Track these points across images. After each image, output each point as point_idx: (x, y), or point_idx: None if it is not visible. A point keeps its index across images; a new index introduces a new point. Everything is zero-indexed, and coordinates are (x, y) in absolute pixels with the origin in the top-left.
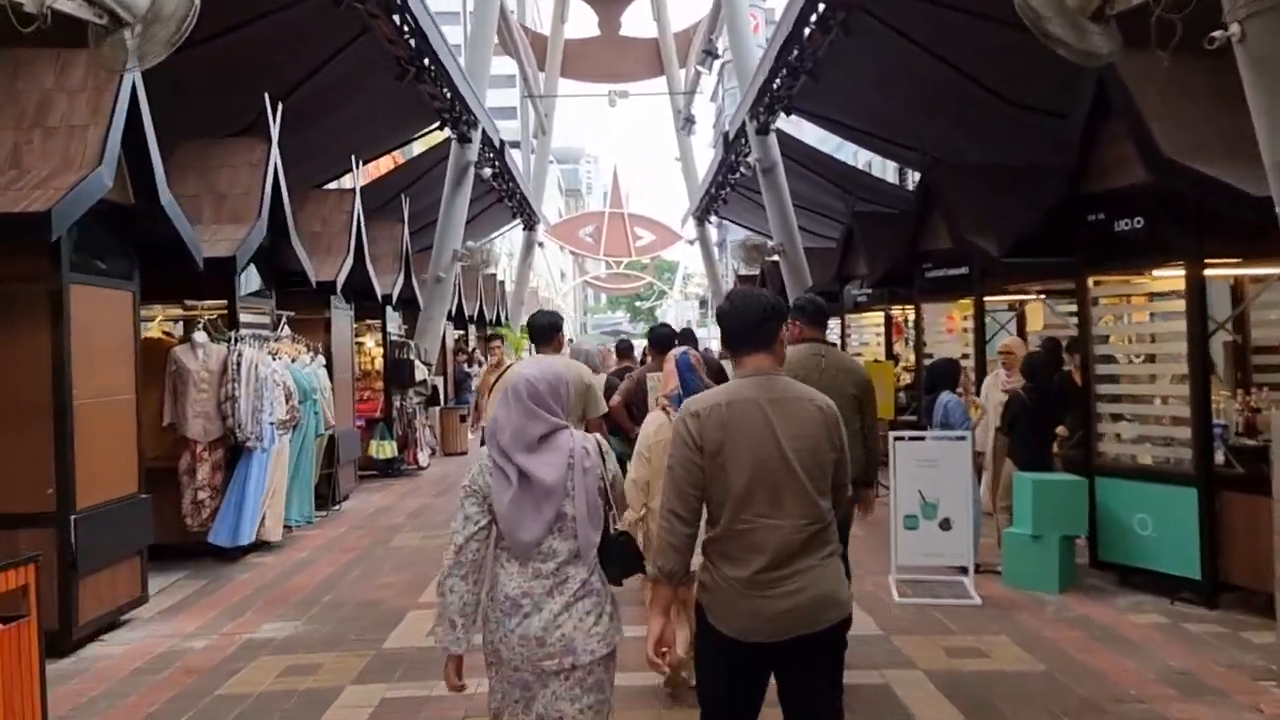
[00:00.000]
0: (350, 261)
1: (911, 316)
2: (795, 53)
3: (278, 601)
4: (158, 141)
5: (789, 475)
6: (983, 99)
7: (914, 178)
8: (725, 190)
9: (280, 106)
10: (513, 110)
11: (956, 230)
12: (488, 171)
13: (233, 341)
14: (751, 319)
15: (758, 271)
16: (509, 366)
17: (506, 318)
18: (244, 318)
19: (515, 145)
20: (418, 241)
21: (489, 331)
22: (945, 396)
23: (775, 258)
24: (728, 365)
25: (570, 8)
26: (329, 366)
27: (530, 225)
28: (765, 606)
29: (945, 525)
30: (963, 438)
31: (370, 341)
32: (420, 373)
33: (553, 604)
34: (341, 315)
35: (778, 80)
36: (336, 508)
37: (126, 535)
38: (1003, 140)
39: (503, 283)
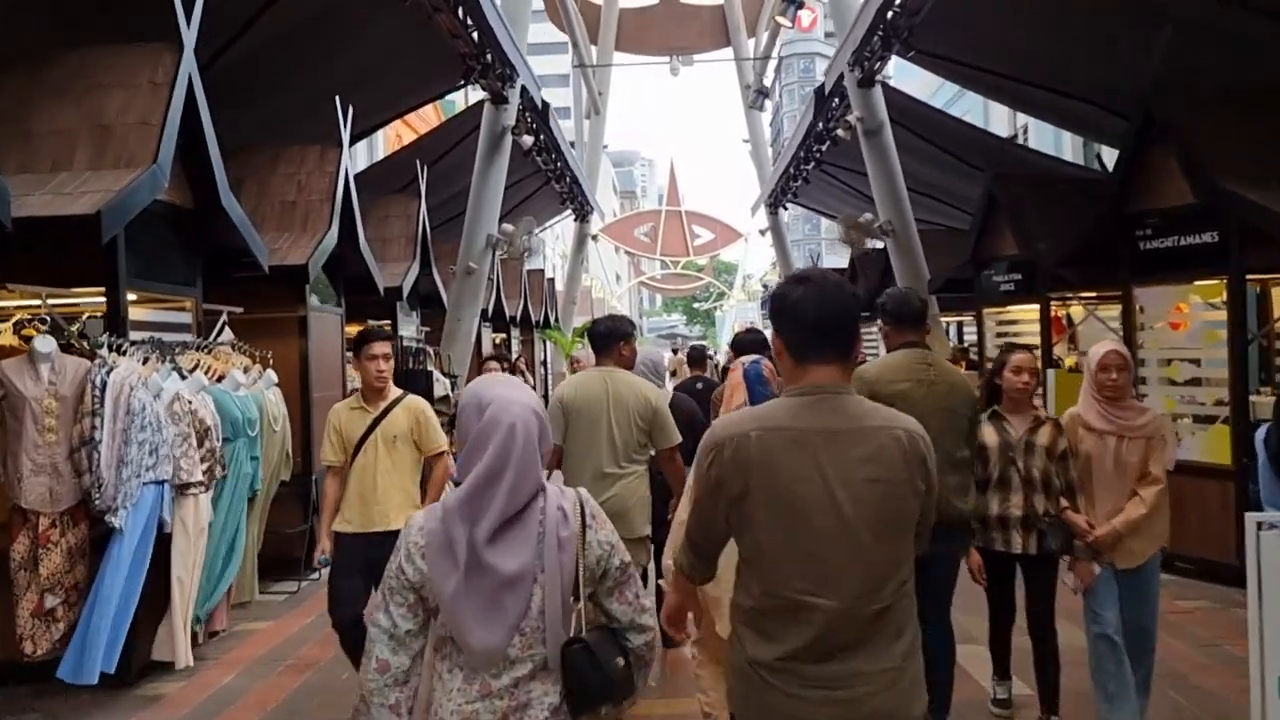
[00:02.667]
0: (332, 239)
1: (1074, 310)
2: None
3: None
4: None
5: (843, 536)
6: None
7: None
8: (808, 167)
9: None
10: (564, 79)
11: (1202, 172)
12: (528, 140)
13: (106, 351)
14: (834, 311)
15: (847, 263)
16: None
17: (557, 319)
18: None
19: (566, 114)
20: (448, 236)
21: (495, 346)
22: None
23: (875, 243)
24: None
25: None
26: (304, 382)
27: (583, 215)
28: (797, 711)
29: None
30: None
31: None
32: (441, 387)
33: None
34: (323, 314)
35: (892, 10)
36: (314, 575)
37: None
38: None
39: (552, 280)
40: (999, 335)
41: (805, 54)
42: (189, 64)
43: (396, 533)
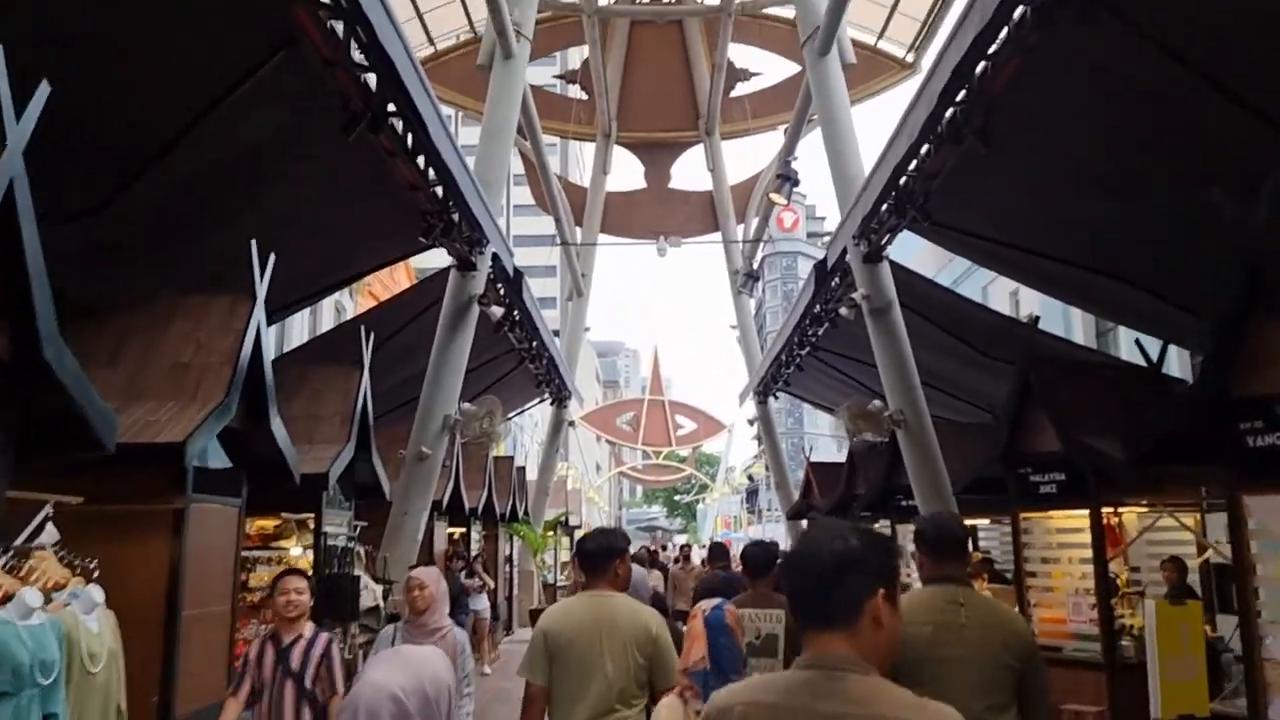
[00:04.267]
0: (228, 412)
1: (1127, 517)
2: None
3: None
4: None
5: None
6: None
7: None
8: (802, 352)
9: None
10: (550, 269)
11: None
12: (497, 311)
13: None
14: (813, 574)
15: (845, 458)
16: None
17: (527, 512)
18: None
19: (551, 304)
20: (405, 419)
21: (452, 543)
22: None
23: (874, 436)
24: None
25: (614, 159)
26: (172, 598)
27: (559, 399)
28: None
29: None
30: None
31: (297, 548)
32: (370, 596)
33: None
34: (211, 507)
35: (906, 175)
36: None
37: None
38: None
39: (522, 469)
40: (1028, 544)
41: (788, 252)
42: None
43: None
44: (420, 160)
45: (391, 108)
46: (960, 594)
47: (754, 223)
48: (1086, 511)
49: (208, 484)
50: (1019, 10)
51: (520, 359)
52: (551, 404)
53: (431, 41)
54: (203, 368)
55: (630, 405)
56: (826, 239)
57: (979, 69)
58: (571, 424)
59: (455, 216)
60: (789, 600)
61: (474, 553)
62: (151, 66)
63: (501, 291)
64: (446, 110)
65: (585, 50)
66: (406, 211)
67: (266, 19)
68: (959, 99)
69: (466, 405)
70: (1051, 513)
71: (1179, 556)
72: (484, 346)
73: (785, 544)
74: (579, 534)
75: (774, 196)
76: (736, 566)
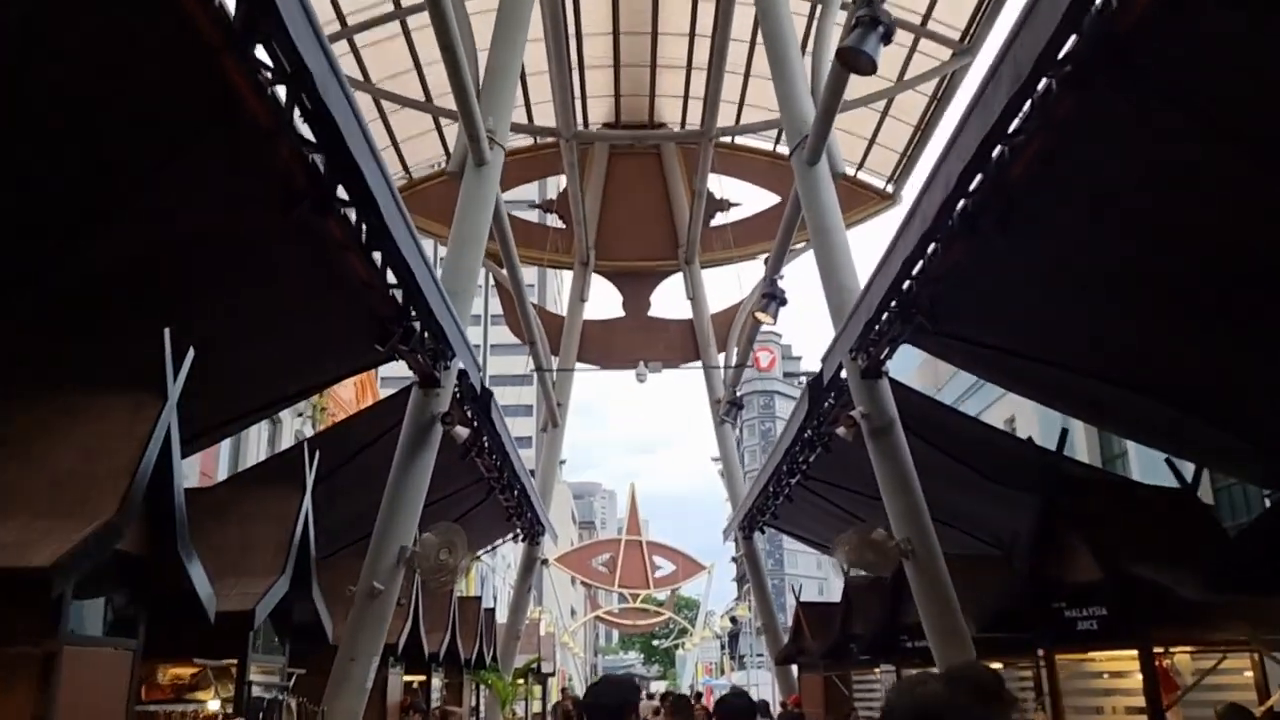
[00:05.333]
0: (115, 536)
1: (1180, 660)
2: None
3: None
4: None
5: None
6: None
7: None
8: (792, 480)
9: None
10: (527, 408)
11: None
12: (463, 432)
13: None
14: None
15: (840, 596)
16: None
17: (495, 658)
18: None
19: (527, 443)
20: (352, 559)
21: (410, 692)
22: None
23: (867, 571)
24: None
25: (592, 288)
26: None
27: (531, 536)
28: None
29: None
30: None
31: (215, 700)
32: None
33: None
34: (97, 651)
35: (910, 281)
36: None
37: None
38: None
39: (491, 610)
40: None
41: (764, 391)
42: None
43: None
44: (377, 257)
45: (344, 195)
46: None
47: (734, 352)
48: (1135, 651)
49: (90, 622)
50: (1044, 82)
51: (490, 489)
52: (523, 540)
53: (407, 170)
54: (91, 480)
55: (606, 546)
56: (804, 378)
57: (995, 152)
58: (545, 562)
59: (417, 325)
60: None
61: (436, 704)
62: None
63: (469, 413)
64: (426, 242)
65: (563, 180)
66: (364, 317)
67: (198, 85)
68: (973, 187)
69: (426, 535)
70: (1093, 654)
71: (1239, 704)
72: (451, 475)
73: (773, 692)
74: (552, 683)
75: (760, 315)
76: None
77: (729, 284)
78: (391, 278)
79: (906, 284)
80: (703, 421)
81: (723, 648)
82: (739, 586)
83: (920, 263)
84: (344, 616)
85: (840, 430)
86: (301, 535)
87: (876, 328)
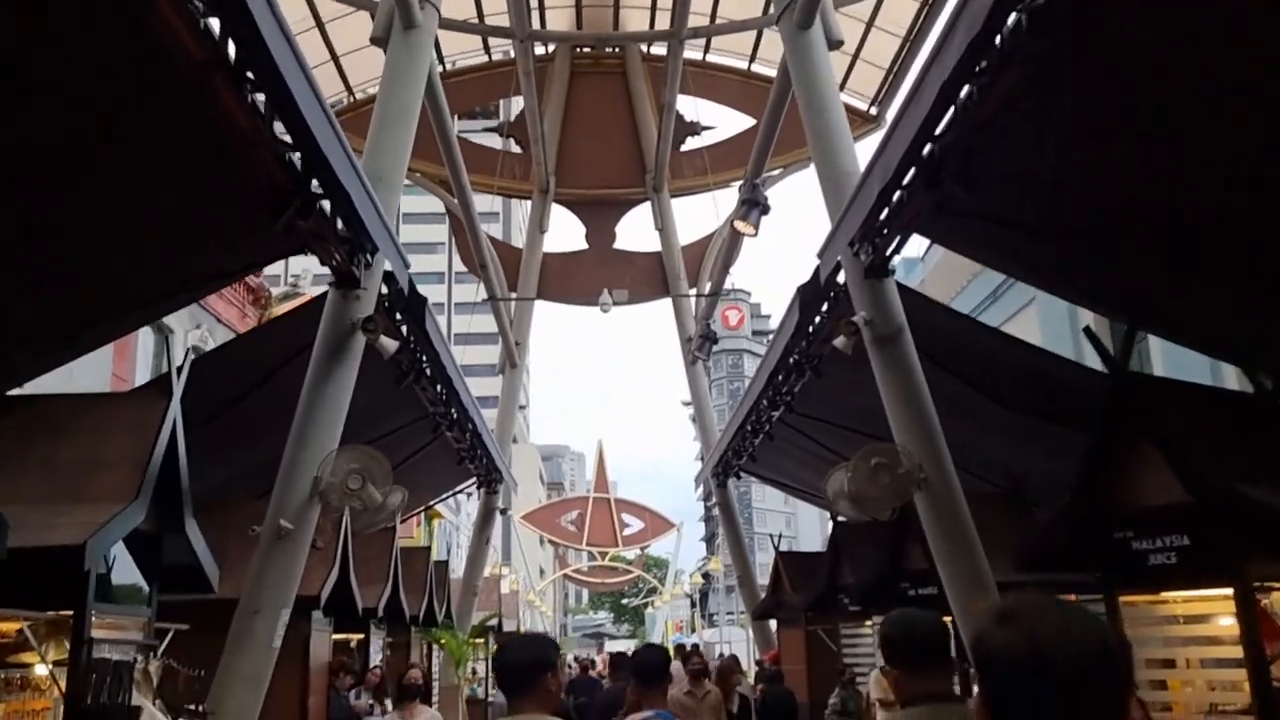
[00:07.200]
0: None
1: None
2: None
3: None
4: None
5: None
6: None
7: None
8: (775, 414)
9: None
10: (491, 368)
11: None
12: (390, 345)
13: None
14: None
15: (829, 542)
16: None
17: (450, 614)
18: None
19: (493, 403)
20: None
21: (348, 651)
22: None
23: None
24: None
25: (552, 217)
26: None
27: (489, 483)
28: None
29: None
30: None
31: (44, 666)
32: None
33: None
34: None
35: (937, 138)
36: None
37: None
38: None
39: (445, 563)
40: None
41: (733, 350)
42: None
43: None
44: (262, 99)
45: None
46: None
47: (707, 285)
48: (1230, 590)
49: None
50: None
51: (436, 425)
52: (479, 488)
53: (350, 91)
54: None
55: (574, 504)
56: (773, 337)
57: None
58: (504, 511)
59: (327, 205)
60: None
61: (375, 664)
62: None
63: (399, 322)
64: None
65: (519, 102)
66: (259, 194)
67: None
68: None
69: (328, 455)
70: (1168, 595)
71: None
72: (391, 409)
73: (748, 648)
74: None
75: (740, 225)
76: None
77: (702, 215)
78: (283, 132)
79: (932, 143)
80: (674, 371)
81: (693, 605)
82: (709, 546)
83: (964, 94)
84: (244, 562)
85: (838, 341)
86: (166, 453)
87: (886, 210)
